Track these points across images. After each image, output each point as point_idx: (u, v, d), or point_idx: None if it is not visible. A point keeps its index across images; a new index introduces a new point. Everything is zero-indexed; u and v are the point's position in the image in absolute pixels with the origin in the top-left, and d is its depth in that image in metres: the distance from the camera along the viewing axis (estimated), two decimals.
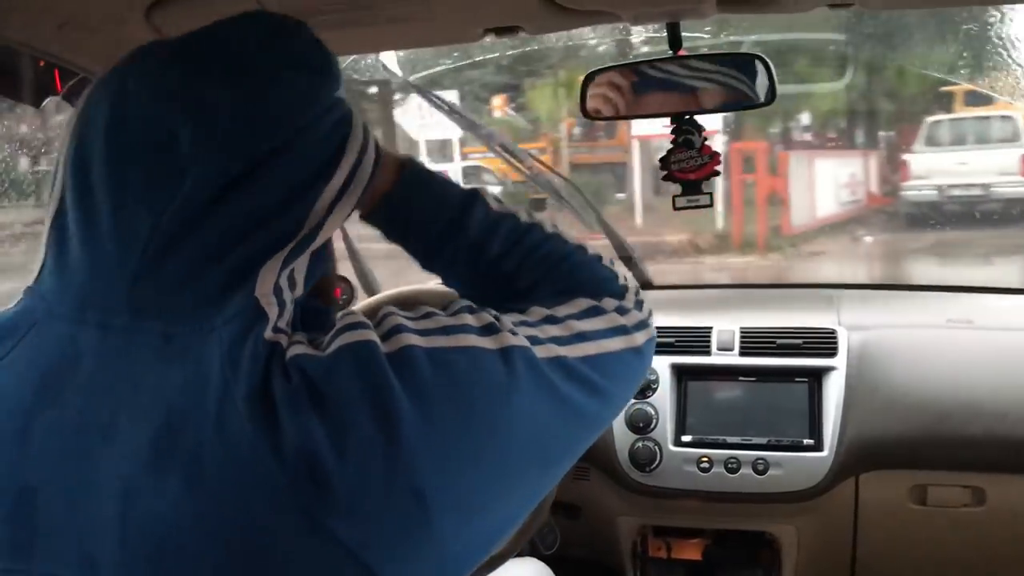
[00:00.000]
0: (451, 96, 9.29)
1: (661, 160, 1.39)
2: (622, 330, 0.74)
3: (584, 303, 0.74)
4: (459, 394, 0.61)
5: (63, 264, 0.62)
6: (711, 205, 1.39)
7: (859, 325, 1.75)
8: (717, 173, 1.39)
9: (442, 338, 0.63)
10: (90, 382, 0.59)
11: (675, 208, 1.41)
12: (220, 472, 0.56)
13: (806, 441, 1.62)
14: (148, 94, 0.62)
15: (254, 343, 0.60)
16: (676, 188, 1.36)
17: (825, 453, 1.60)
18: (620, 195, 10.32)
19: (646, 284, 2.12)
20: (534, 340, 0.67)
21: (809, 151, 10.33)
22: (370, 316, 0.65)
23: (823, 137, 10.85)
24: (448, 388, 0.61)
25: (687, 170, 1.38)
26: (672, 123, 1.39)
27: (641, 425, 1.68)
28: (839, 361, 1.67)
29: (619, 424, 1.69)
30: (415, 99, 10.12)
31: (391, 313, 0.65)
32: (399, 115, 11.22)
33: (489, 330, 0.65)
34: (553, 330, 0.69)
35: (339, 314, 0.66)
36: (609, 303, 0.76)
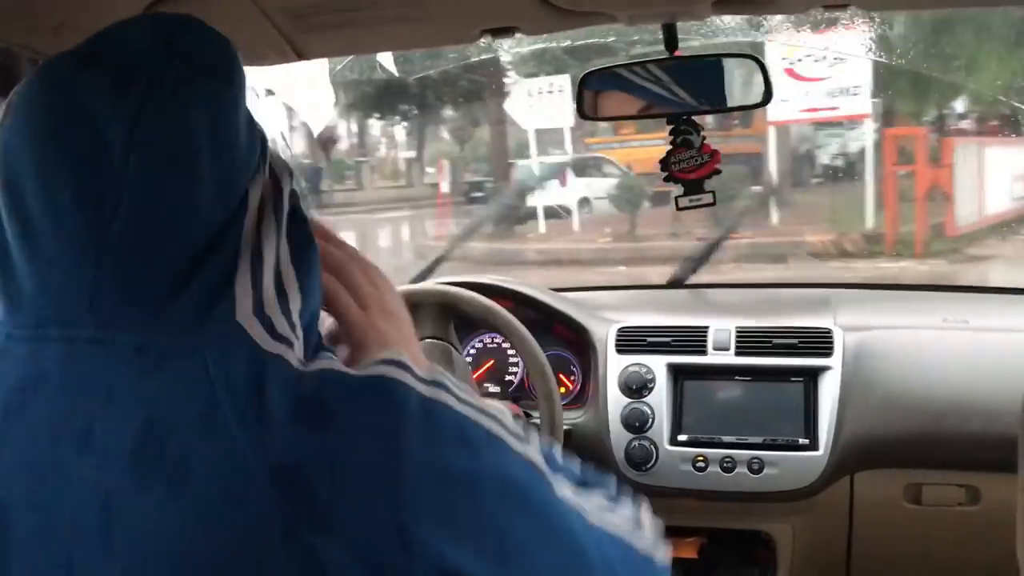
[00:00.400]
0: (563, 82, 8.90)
1: (661, 161, 1.40)
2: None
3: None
4: (474, 467, 0.60)
5: (8, 285, 0.62)
6: (714, 203, 1.39)
7: (855, 325, 1.75)
8: (718, 171, 1.40)
9: (474, 412, 0.63)
10: (59, 394, 0.58)
11: (678, 208, 1.42)
12: (206, 479, 0.55)
13: (801, 440, 1.63)
14: (71, 105, 0.60)
15: (248, 355, 0.59)
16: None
17: (820, 452, 1.61)
18: (755, 188, 9.68)
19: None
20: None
21: (978, 138, 9.06)
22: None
23: (989, 123, 9.62)
24: (466, 458, 0.60)
25: (688, 170, 1.39)
26: (669, 123, 1.40)
27: (637, 424, 1.68)
28: (835, 361, 1.68)
29: (615, 423, 1.70)
30: (525, 88, 9.88)
31: (440, 372, 0.64)
32: (508, 105, 10.89)
33: (519, 438, 0.64)
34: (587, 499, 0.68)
35: (388, 349, 0.66)
36: None
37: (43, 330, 0.60)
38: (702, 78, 1.35)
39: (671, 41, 1.30)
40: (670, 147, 1.40)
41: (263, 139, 0.66)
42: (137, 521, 0.55)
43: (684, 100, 1.35)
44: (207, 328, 0.59)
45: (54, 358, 0.59)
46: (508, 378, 1.92)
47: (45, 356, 0.59)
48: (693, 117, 1.39)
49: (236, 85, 0.65)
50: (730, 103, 1.36)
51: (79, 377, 0.59)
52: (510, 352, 1.91)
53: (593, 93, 1.41)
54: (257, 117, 0.67)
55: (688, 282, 2.13)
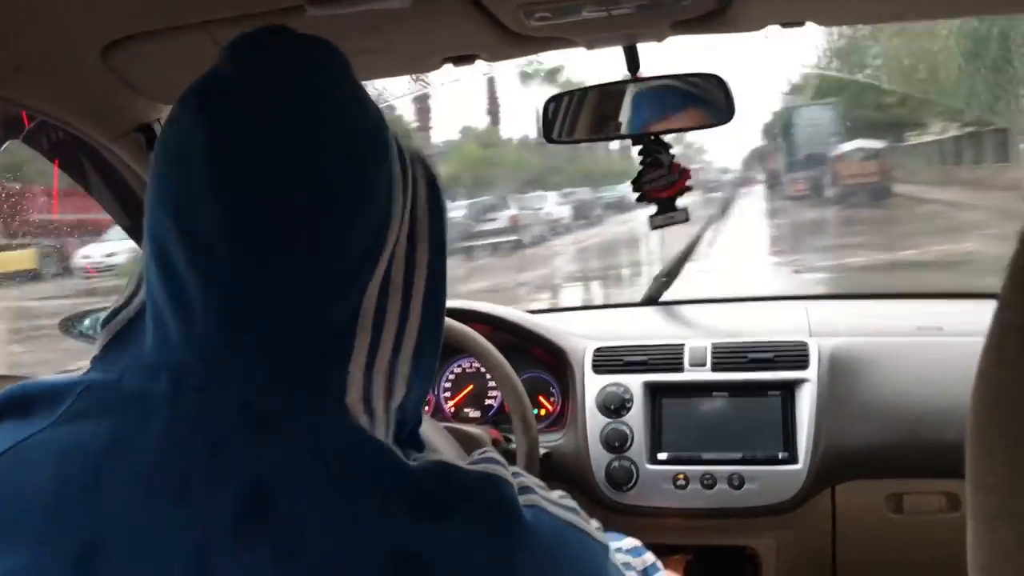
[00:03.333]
0: None
1: (633, 182, 1.41)
2: None
3: None
4: (567, 565, 0.64)
5: (132, 331, 0.63)
6: (688, 220, 1.40)
7: (830, 335, 1.76)
8: (689, 188, 1.41)
9: (563, 511, 0.66)
10: (162, 439, 0.58)
11: (652, 227, 1.43)
12: (322, 551, 0.55)
13: (780, 454, 1.63)
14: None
15: (358, 437, 0.60)
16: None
17: (800, 466, 1.61)
18: None
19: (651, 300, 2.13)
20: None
21: None
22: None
23: None
24: (560, 557, 0.63)
25: (660, 188, 1.40)
26: (637, 144, 1.41)
27: (616, 444, 1.68)
28: (811, 373, 1.68)
29: (595, 444, 1.69)
30: None
31: (520, 473, 0.67)
32: None
33: (589, 522, 0.69)
34: None
35: (482, 449, 0.68)
36: None
37: (154, 372, 0.60)
38: (665, 98, 1.36)
39: (632, 63, 1.32)
40: (640, 167, 1.41)
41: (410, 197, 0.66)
42: None
43: (648, 121, 1.36)
44: (317, 400, 0.60)
45: (161, 401, 0.59)
46: (488, 402, 1.91)
47: (152, 398, 0.59)
48: (660, 136, 1.40)
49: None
50: (693, 122, 1.37)
51: (182, 424, 0.59)
52: (489, 377, 1.90)
53: (557, 116, 1.42)
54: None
55: (662, 299, 2.13)
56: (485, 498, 0.60)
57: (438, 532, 0.57)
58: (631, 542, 0.96)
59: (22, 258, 8.50)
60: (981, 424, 0.66)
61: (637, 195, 1.42)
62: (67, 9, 0.97)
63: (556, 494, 0.68)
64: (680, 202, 1.43)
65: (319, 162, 0.61)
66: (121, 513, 0.57)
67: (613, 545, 0.74)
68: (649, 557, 0.92)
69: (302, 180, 0.60)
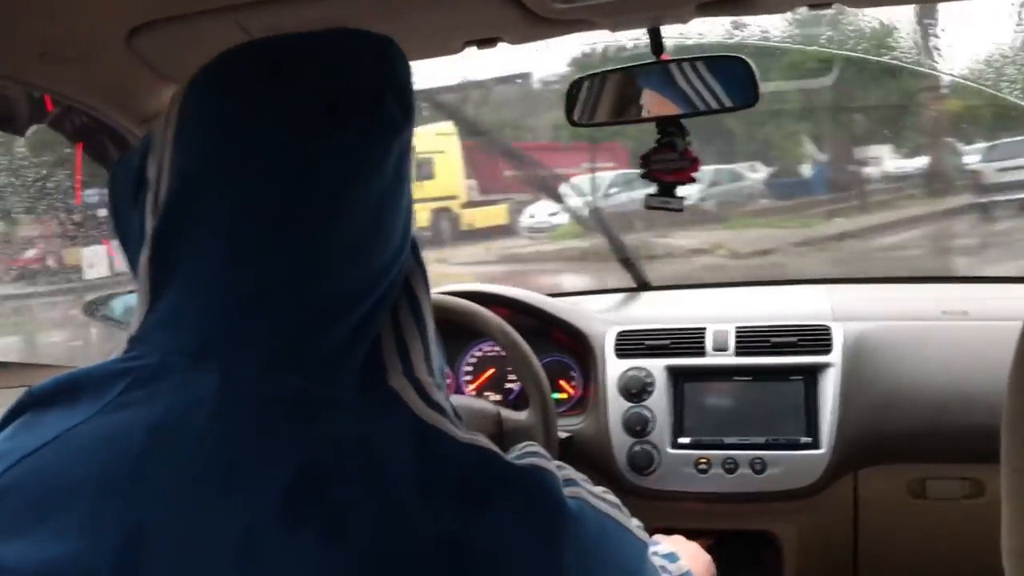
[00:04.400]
0: None
1: (642, 157, 1.41)
2: None
3: None
4: (609, 560, 0.66)
5: (174, 313, 0.62)
6: (681, 210, 1.40)
7: (853, 319, 1.75)
8: (693, 179, 1.40)
9: (606, 505, 0.67)
10: (210, 426, 0.59)
11: (646, 207, 1.42)
12: (370, 533, 0.56)
13: (803, 439, 1.63)
14: (278, 128, 0.60)
15: (406, 421, 0.61)
16: None
17: (823, 450, 1.61)
18: None
19: (644, 285, 2.13)
20: None
21: None
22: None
23: None
24: (602, 551, 0.65)
25: (666, 171, 1.39)
26: (658, 123, 1.40)
27: (638, 428, 1.68)
28: (834, 357, 1.67)
29: (616, 427, 1.70)
30: None
31: (564, 466, 0.68)
32: None
33: (628, 517, 0.71)
34: None
35: (525, 442, 0.71)
36: None
37: (203, 361, 0.60)
38: (688, 80, 1.35)
39: (656, 45, 1.31)
40: (655, 144, 1.40)
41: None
42: (283, 562, 0.56)
43: (672, 103, 1.35)
44: (364, 387, 0.61)
45: (209, 389, 0.59)
46: (508, 386, 1.92)
47: (201, 386, 0.59)
48: (681, 120, 1.39)
49: (411, 131, 0.65)
50: (717, 105, 1.36)
51: (232, 413, 0.59)
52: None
53: (582, 99, 1.41)
54: None
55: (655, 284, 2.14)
56: (530, 488, 0.60)
57: (482, 520, 0.58)
58: (666, 547, 0.96)
59: (496, 213, 9.13)
60: (1019, 408, 0.66)
61: (642, 172, 1.42)
62: None
63: (599, 489, 0.68)
64: (680, 191, 1.42)
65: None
66: (166, 500, 0.57)
67: (650, 548, 0.76)
68: (684, 564, 0.93)
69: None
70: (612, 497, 0.69)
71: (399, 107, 0.63)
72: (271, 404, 0.59)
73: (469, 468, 0.60)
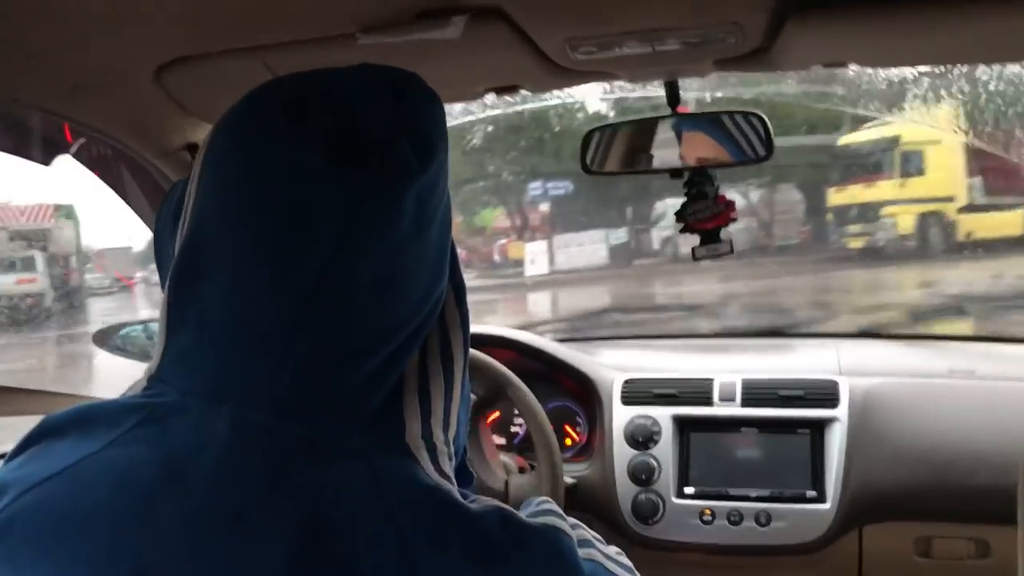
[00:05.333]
0: None
1: (677, 213, 1.42)
2: None
3: None
4: None
5: (192, 351, 0.61)
6: (732, 252, 1.40)
7: (861, 375, 1.75)
8: (733, 219, 1.41)
9: (620, 569, 0.66)
10: (219, 469, 0.57)
11: (695, 258, 1.43)
12: None
13: (809, 493, 1.62)
14: (281, 171, 0.58)
15: (419, 480, 0.60)
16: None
17: (828, 505, 1.60)
18: None
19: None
20: None
21: None
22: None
23: None
24: None
25: (704, 220, 1.40)
26: (676, 176, 1.42)
27: (643, 477, 1.68)
28: (841, 412, 1.67)
29: (621, 475, 1.69)
30: None
31: (579, 525, 0.67)
32: None
33: None
34: None
35: (540, 498, 0.69)
36: None
37: (217, 403, 0.59)
38: (703, 133, 1.37)
39: (673, 97, 1.33)
40: (685, 199, 1.42)
41: (452, 245, 0.66)
42: None
43: (686, 156, 1.37)
44: (378, 441, 0.60)
45: (220, 431, 0.58)
46: (514, 429, 1.91)
47: (213, 427, 0.58)
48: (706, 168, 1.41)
49: (442, 171, 0.63)
50: (729, 159, 1.38)
51: (242, 457, 0.58)
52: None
53: (597, 149, 1.43)
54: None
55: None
56: (544, 548, 0.59)
57: None
58: None
59: (1006, 221, 7.07)
60: None
61: (681, 227, 1.43)
62: (123, 31, 0.99)
63: (613, 550, 0.67)
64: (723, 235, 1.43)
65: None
66: (173, 542, 0.56)
67: None
68: None
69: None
70: (626, 560, 0.67)
71: (415, 151, 0.59)
72: (281, 451, 0.58)
73: (484, 524, 0.59)
